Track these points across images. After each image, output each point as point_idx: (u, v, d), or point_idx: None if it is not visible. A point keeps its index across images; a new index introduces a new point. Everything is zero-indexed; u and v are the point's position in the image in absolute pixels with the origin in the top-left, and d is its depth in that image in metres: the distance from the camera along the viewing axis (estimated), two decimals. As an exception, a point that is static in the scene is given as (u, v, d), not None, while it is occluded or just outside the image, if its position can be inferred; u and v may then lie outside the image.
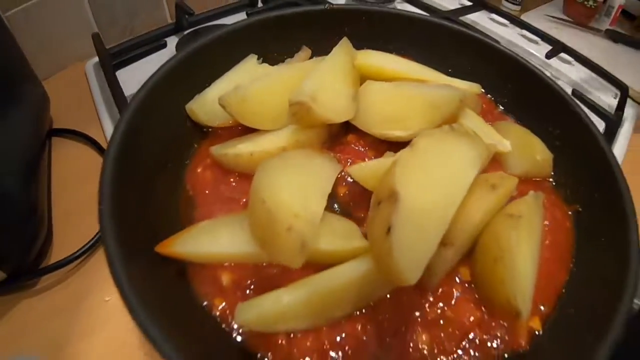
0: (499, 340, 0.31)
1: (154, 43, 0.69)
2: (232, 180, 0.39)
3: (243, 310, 0.28)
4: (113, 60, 0.64)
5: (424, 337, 0.30)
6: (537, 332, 0.32)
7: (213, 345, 0.29)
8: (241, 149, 0.38)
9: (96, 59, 0.72)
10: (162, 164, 0.37)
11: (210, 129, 0.43)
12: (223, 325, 0.30)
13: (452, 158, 0.32)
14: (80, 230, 0.49)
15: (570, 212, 0.39)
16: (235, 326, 0.30)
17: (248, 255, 0.31)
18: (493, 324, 0.31)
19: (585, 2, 1.05)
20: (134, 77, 0.59)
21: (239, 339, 0.30)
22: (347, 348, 0.29)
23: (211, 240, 0.32)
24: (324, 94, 0.39)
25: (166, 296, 0.28)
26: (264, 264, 0.32)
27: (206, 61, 0.43)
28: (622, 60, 0.98)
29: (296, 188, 0.31)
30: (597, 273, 0.33)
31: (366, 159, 0.41)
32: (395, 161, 0.30)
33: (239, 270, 0.32)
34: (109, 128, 0.61)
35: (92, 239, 0.49)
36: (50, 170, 0.57)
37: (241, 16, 0.82)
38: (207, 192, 0.38)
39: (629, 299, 0.28)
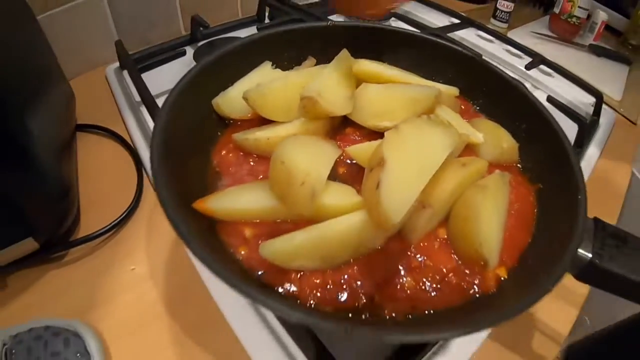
0: (471, 284, 0.38)
1: (174, 50, 0.77)
2: (250, 160, 0.45)
3: (265, 247, 0.35)
4: (137, 65, 0.71)
5: (408, 279, 0.37)
6: (502, 278, 0.38)
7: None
8: (259, 135, 0.45)
9: (116, 64, 0.80)
10: (193, 148, 0.43)
11: (231, 121, 0.49)
12: (246, 267, 0.37)
13: (428, 139, 0.39)
14: (105, 214, 0.55)
15: (533, 190, 0.46)
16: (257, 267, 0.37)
17: (267, 209, 0.38)
18: (467, 271, 0.38)
19: (569, 19, 1.13)
20: (157, 80, 0.67)
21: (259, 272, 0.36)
22: (346, 287, 0.36)
23: (237, 199, 0.39)
24: (327, 92, 0.46)
25: (202, 239, 0.35)
26: (279, 221, 0.39)
27: (227, 66, 0.50)
28: (603, 73, 1.05)
29: (308, 156, 0.38)
30: (552, 234, 0.40)
31: (361, 145, 0.48)
32: (383, 139, 0.38)
33: (258, 226, 0.39)
34: (131, 123, 0.68)
35: (118, 217, 0.55)
36: (76, 161, 0.63)
37: (251, 30, 0.91)
38: (230, 169, 0.45)
39: (575, 247, 0.35)
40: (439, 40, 0.58)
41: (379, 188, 0.33)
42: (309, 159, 0.38)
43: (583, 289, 0.55)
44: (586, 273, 0.37)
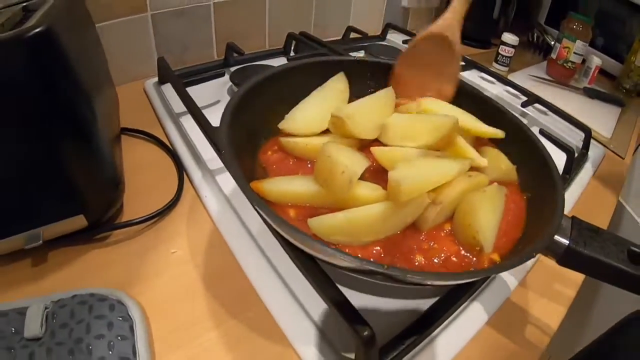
0: (469, 264, 0.46)
1: (214, 71, 0.87)
2: (290, 161, 0.55)
3: (313, 221, 0.44)
4: (180, 78, 0.81)
5: (419, 257, 0.45)
6: (496, 262, 0.47)
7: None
8: (300, 140, 0.56)
9: (155, 78, 0.90)
10: (244, 149, 0.52)
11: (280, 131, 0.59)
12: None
13: (437, 165, 0.50)
14: (146, 206, 0.60)
15: (525, 198, 0.55)
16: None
17: (311, 193, 0.48)
18: (468, 254, 0.47)
19: (565, 64, 1.23)
20: (195, 96, 0.76)
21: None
22: (371, 258, 0.44)
23: (287, 184, 0.49)
24: (358, 116, 0.56)
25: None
26: (317, 207, 0.48)
27: (280, 80, 0.60)
28: (596, 113, 1.15)
29: (347, 154, 0.48)
30: (537, 229, 0.49)
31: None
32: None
33: (301, 209, 0.48)
34: (172, 131, 0.77)
35: (161, 208, 0.61)
36: (122, 158, 0.68)
37: (279, 60, 1.02)
38: (274, 166, 0.54)
39: (554, 229, 0.44)
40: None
41: (401, 186, 0.43)
42: (348, 156, 0.48)
43: (570, 291, 0.62)
44: (566, 257, 0.46)
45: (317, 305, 0.51)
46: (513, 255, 0.47)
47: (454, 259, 0.46)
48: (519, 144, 0.60)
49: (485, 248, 0.46)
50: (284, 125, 0.58)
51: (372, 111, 0.59)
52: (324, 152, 0.47)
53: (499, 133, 0.59)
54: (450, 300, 0.51)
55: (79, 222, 0.52)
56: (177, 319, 0.49)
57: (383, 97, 0.61)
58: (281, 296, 0.52)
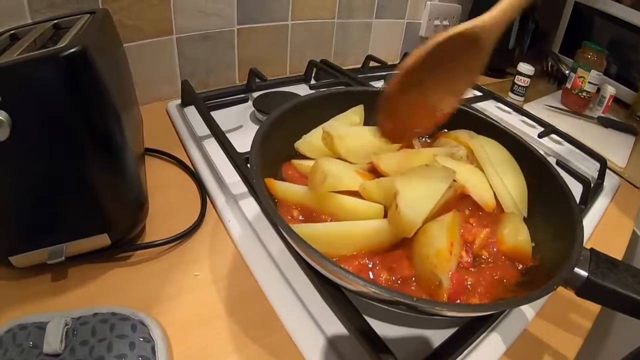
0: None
1: (237, 96, 0.89)
2: (305, 178, 0.57)
3: (299, 228, 0.45)
4: (205, 102, 0.83)
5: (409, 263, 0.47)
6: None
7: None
8: (305, 162, 0.59)
9: (177, 100, 0.92)
10: (268, 173, 0.54)
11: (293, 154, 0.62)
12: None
13: (430, 174, 0.51)
14: (168, 229, 0.60)
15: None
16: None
17: (304, 194, 0.53)
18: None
19: (580, 93, 1.23)
20: (221, 119, 0.78)
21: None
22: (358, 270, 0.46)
23: (292, 187, 0.54)
24: (349, 140, 0.59)
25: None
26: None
27: (301, 112, 0.62)
28: (610, 142, 1.15)
29: (335, 164, 0.54)
30: (555, 261, 0.49)
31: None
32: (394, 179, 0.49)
33: (303, 210, 0.53)
34: (195, 153, 0.78)
35: (184, 231, 0.61)
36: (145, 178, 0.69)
37: (299, 87, 1.05)
38: (292, 180, 0.57)
39: (573, 263, 0.45)
40: (465, 108, 0.70)
41: (397, 208, 0.45)
42: (335, 165, 0.53)
43: (587, 322, 0.62)
44: (584, 289, 0.46)
45: (340, 332, 0.51)
46: (529, 287, 0.47)
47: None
48: (537, 174, 0.61)
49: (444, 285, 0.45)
50: (299, 145, 0.62)
51: (365, 139, 0.61)
52: (316, 165, 0.52)
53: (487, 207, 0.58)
54: (470, 331, 0.51)
55: (102, 240, 0.52)
56: (197, 342, 0.49)
57: None
58: (303, 322, 0.52)
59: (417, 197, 0.47)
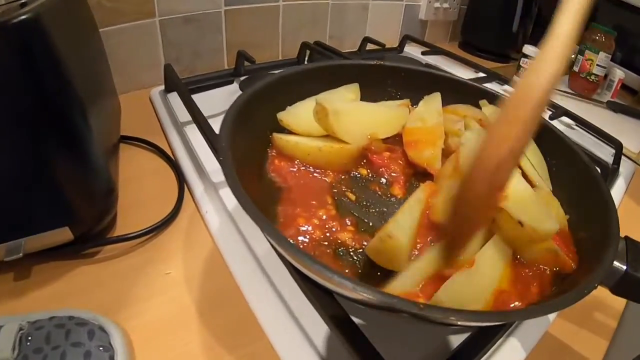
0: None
1: (222, 79, 0.81)
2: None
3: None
4: (186, 86, 0.74)
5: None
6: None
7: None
8: (292, 138, 0.50)
9: (161, 87, 0.83)
10: (249, 157, 0.46)
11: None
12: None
13: None
14: (142, 220, 0.54)
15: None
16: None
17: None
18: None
19: (588, 77, 1.15)
20: (203, 104, 0.69)
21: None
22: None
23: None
24: (346, 117, 0.50)
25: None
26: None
27: (283, 87, 0.53)
28: (622, 127, 1.07)
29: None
30: (588, 255, 0.41)
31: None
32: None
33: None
34: (175, 140, 0.70)
35: (157, 223, 0.54)
36: (118, 167, 0.63)
37: (291, 70, 0.95)
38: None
39: (612, 255, 0.37)
40: (476, 84, 0.62)
41: (524, 225, 0.39)
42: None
43: (612, 321, 0.54)
44: (622, 285, 0.37)
45: (330, 341, 0.43)
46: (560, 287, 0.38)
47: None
48: (557, 154, 0.53)
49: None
50: (283, 115, 0.51)
51: (366, 116, 0.53)
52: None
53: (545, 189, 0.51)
54: (485, 337, 0.43)
55: (64, 234, 0.46)
56: (165, 351, 0.42)
57: (386, 109, 0.54)
58: (287, 329, 0.44)
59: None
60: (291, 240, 0.33)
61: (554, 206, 0.48)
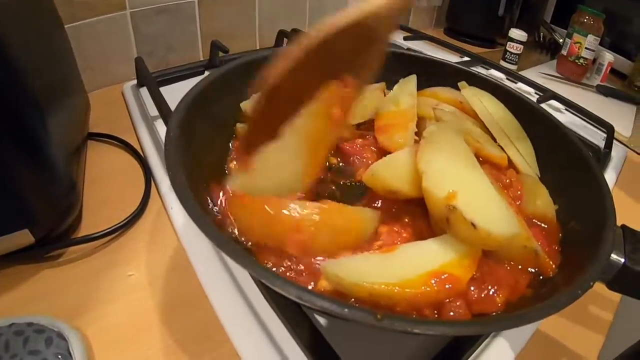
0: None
1: (195, 71, 0.77)
2: None
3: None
4: (156, 79, 0.70)
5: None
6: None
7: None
8: None
9: (134, 81, 0.79)
10: (208, 153, 0.42)
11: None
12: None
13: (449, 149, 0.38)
14: (108, 218, 0.51)
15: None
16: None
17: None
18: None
19: (576, 61, 1.10)
20: (175, 98, 0.64)
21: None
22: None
23: None
24: None
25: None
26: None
27: (247, 74, 0.47)
28: (612, 111, 1.02)
29: None
30: (582, 246, 0.36)
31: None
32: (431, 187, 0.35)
33: None
34: (144, 136, 0.66)
35: (122, 221, 0.51)
36: (85, 166, 0.60)
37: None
38: None
39: (608, 248, 0.32)
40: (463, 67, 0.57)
41: (477, 227, 0.31)
42: None
43: (608, 314, 0.49)
44: (619, 279, 0.33)
45: (296, 346, 0.39)
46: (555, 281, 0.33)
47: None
48: (543, 136, 0.47)
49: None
50: (247, 105, 0.46)
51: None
52: None
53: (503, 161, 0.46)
54: (469, 340, 0.38)
55: (24, 238, 0.44)
56: (126, 358, 0.39)
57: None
58: (253, 333, 0.40)
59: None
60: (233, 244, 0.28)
61: (540, 195, 0.43)
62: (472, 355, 0.39)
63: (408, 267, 0.31)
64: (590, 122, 0.85)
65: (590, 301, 0.50)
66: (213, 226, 0.28)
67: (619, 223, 0.36)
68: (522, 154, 0.46)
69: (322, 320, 0.38)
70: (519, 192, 0.42)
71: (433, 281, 0.30)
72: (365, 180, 0.39)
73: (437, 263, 0.31)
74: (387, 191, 0.39)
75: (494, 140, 0.48)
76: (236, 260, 0.26)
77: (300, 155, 0.39)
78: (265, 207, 0.34)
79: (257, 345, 0.39)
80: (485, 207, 0.33)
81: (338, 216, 0.35)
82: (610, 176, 0.75)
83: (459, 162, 0.37)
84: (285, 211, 0.34)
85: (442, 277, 0.30)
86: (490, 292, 0.32)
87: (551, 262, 0.35)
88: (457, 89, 0.56)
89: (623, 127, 0.95)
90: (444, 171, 0.36)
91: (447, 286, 0.30)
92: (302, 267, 0.33)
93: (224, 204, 0.37)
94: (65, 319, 0.40)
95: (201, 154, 0.40)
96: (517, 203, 0.41)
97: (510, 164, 0.46)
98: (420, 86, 0.55)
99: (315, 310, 0.31)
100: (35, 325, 0.38)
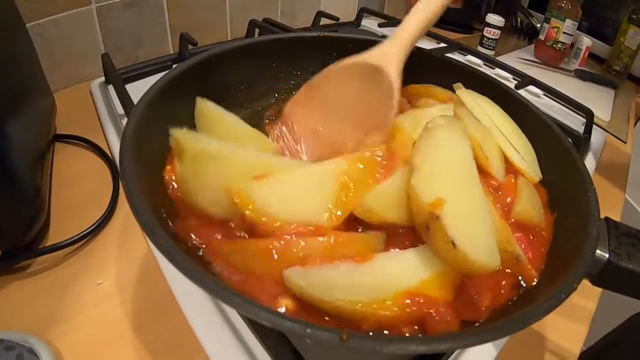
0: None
1: (163, 65, 0.75)
2: None
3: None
4: (122, 75, 0.67)
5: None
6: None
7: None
8: None
9: (101, 79, 0.76)
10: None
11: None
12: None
13: (447, 152, 0.34)
14: (77, 224, 0.49)
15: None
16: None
17: None
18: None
19: (554, 45, 1.10)
20: (141, 91, 0.62)
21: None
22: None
23: None
24: None
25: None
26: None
27: (215, 68, 0.46)
28: (591, 95, 1.02)
29: None
30: (566, 239, 0.35)
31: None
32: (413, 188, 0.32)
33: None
34: (112, 135, 0.63)
35: (90, 227, 0.49)
36: (51, 170, 0.58)
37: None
38: None
39: (593, 246, 0.31)
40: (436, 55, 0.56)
41: (456, 246, 0.28)
42: None
43: (590, 304, 0.49)
44: (604, 275, 0.32)
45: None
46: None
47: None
48: (529, 129, 0.46)
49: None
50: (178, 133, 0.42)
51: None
52: None
53: (535, 178, 0.42)
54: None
55: None
56: None
57: None
58: (227, 343, 0.39)
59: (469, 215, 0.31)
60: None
61: (527, 199, 0.39)
62: (453, 354, 0.38)
63: (381, 283, 0.28)
64: (570, 107, 0.84)
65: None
66: (167, 237, 0.26)
67: (601, 211, 0.35)
68: (520, 153, 0.43)
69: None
70: (509, 199, 0.38)
71: (407, 302, 0.28)
72: (358, 215, 0.34)
73: (413, 281, 0.28)
74: (384, 224, 0.34)
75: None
76: (187, 276, 0.24)
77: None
78: (270, 246, 0.30)
79: (229, 351, 0.38)
80: (472, 228, 0.30)
81: (345, 248, 0.31)
82: (589, 161, 0.75)
83: (457, 168, 0.33)
84: (293, 249, 0.30)
85: (417, 298, 0.28)
86: (474, 298, 0.31)
87: (533, 270, 0.33)
88: (437, 77, 0.54)
89: (602, 112, 0.95)
90: (438, 173, 0.32)
91: (421, 307, 0.28)
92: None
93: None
94: (36, 332, 0.38)
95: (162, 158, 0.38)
96: (505, 209, 0.37)
97: (511, 167, 0.43)
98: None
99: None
100: (6, 342, 0.37)
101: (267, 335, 0.36)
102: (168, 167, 0.36)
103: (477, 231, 0.30)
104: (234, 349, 0.38)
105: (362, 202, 0.33)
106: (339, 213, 0.33)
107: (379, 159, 0.37)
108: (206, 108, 0.41)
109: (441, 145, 0.34)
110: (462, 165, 0.34)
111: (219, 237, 0.33)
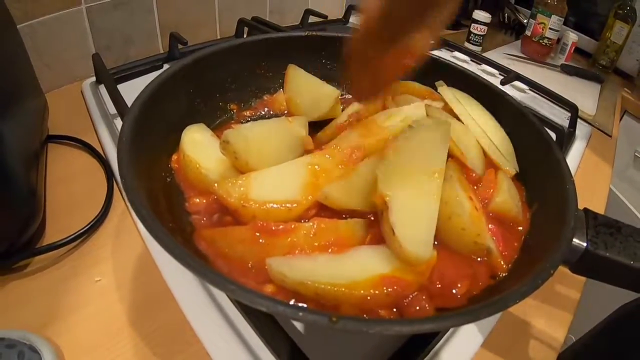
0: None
1: (154, 65, 0.75)
2: None
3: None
4: (113, 75, 0.68)
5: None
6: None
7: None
8: None
9: (93, 78, 0.76)
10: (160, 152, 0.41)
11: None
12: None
13: (423, 150, 0.36)
14: (73, 224, 0.50)
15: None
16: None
17: None
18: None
19: (540, 41, 1.12)
20: (133, 94, 0.63)
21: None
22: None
23: None
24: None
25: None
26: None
27: (205, 69, 0.47)
28: (577, 90, 1.05)
29: None
30: (545, 228, 0.36)
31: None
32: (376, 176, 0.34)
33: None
34: (105, 135, 0.64)
35: (86, 226, 0.49)
36: (46, 171, 0.58)
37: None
38: None
39: (570, 234, 0.32)
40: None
41: (395, 234, 0.30)
42: None
43: (575, 292, 0.51)
44: (582, 263, 0.33)
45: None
46: (519, 268, 0.34)
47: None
48: (510, 123, 0.48)
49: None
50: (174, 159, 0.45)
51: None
52: None
53: (511, 171, 0.44)
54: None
55: None
56: None
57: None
58: (222, 333, 0.40)
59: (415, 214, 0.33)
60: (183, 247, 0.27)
61: (505, 191, 0.41)
62: (443, 339, 0.40)
63: (358, 269, 0.30)
64: (555, 102, 0.87)
65: (557, 280, 0.51)
66: (165, 231, 0.28)
67: (584, 202, 0.36)
68: (498, 148, 0.45)
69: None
70: (490, 192, 0.40)
71: (383, 285, 0.30)
72: (321, 201, 0.37)
73: (388, 267, 0.31)
74: (346, 210, 0.37)
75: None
76: (188, 268, 0.25)
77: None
78: (257, 234, 0.33)
79: (226, 344, 0.39)
80: (415, 222, 0.32)
81: (329, 234, 0.34)
82: (574, 155, 0.77)
83: (424, 168, 0.35)
84: (280, 234, 0.33)
85: (392, 280, 0.30)
86: (450, 285, 0.32)
87: (502, 263, 0.35)
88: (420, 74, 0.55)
89: (588, 106, 0.97)
90: (404, 169, 0.34)
91: (397, 289, 0.30)
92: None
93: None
94: (36, 330, 0.39)
95: (156, 155, 0.39)
96: (485, 201, 0.39)
97: (491, 164, 0.45)
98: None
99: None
100: (7, 340, 0.37)
101: (262, 323, 0.38)
102: (174, 156, 0.42)
103: (419, 226, 0.32)
104: (228, 339, 0.39)
105: (324, 190, 0.36)
106: (309, 197, 0.37)
107: (349, 150, 0.41)
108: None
109: (417, 146, 0.36)
110: (429, 166, 0.36)
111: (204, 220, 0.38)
